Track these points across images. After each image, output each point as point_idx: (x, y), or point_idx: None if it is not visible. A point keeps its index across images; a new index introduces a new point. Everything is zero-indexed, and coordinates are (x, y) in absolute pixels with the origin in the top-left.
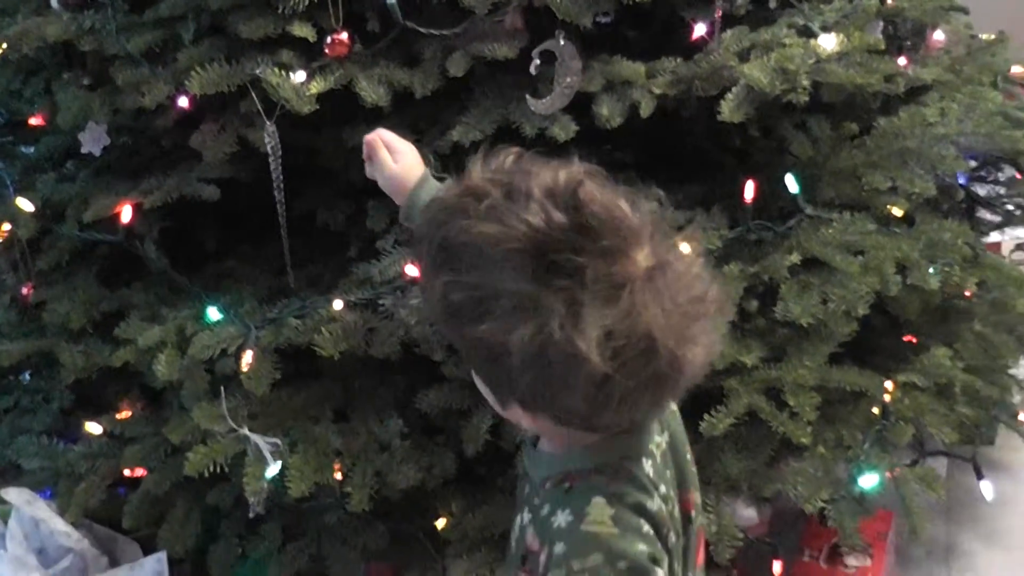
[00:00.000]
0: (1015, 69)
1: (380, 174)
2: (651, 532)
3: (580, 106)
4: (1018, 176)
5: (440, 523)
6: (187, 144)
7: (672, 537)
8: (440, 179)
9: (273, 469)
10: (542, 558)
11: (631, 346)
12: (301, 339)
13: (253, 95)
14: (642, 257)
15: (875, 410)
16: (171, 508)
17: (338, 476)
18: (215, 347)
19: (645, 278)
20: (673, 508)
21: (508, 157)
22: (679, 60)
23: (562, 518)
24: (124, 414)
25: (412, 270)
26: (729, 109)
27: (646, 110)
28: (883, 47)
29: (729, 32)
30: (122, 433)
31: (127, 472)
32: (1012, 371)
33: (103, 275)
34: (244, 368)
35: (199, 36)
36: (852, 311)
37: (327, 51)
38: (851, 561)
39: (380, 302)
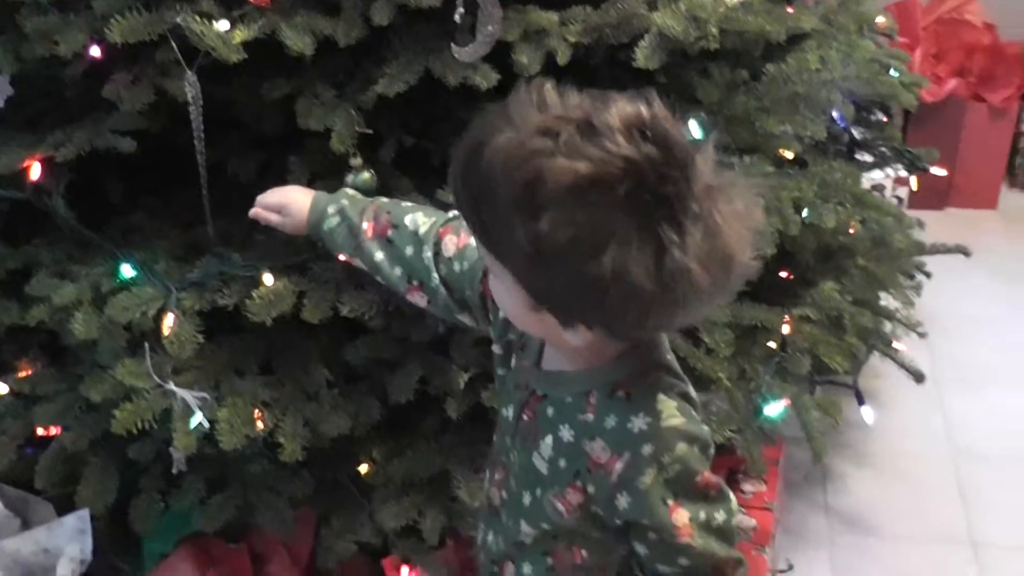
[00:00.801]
0: (879, 19)
1: (282, 230)
2: (697, 415)
3: (497, 55)
4: (885, 119)
5: (363, 469)
6: (88, 95)
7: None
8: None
9: (203, 423)
10: (617, 466)
11: (717, 261)
12: (227, 302)
13: (173, 44)
14: (706, 177)
15: (773, 344)
16: (86, 466)
17: (260, 426)
18: (134, 309)
19: (714, 197)
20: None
21: (550, 93)
22: (588, 9)
23: (640, 422)
24: (25, 372)
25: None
26: (644, 56)
27: (563, 58)
28: None
29: None
30: (32, 391)
31: (40, 431)
32: (883, 302)
33: (2, 232)
34: (166, 332)
35: None
36: (759, 250)
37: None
38: (747, 487)
39: (309, 266)
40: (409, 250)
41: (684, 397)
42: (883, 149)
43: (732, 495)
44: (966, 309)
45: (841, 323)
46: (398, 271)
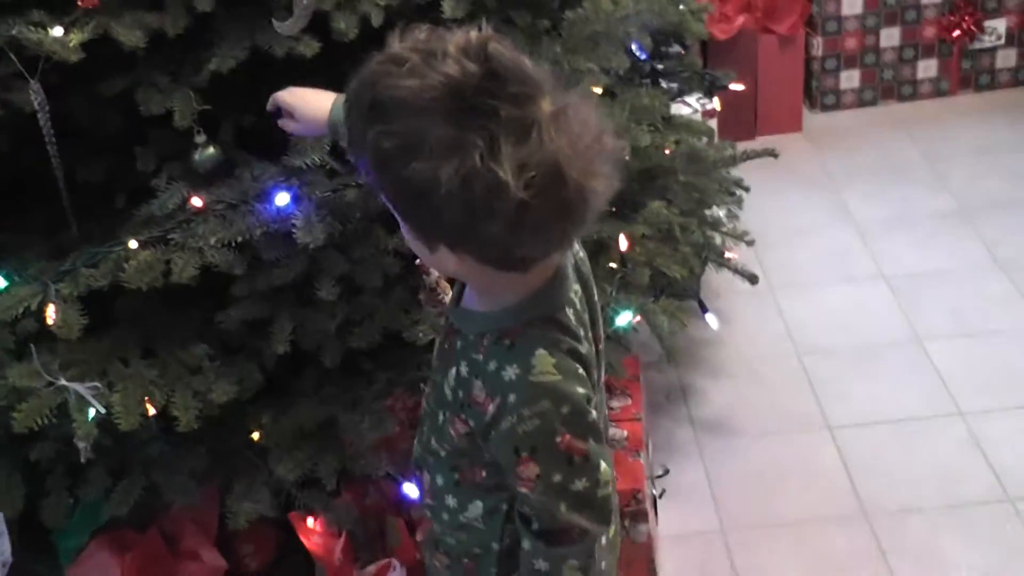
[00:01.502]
0: None
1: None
2: (583, 374)
3: (318, 25)
4: (683, 52)
5: (255, 436)
6: None
7: (595, 375)
8: None
9: (99, 410)
10: (490, 408)
11: (542, 175)
12: (101, 283)
13: (12, 56)
14: (546, 103)
15: (613, 264)
16: None
17: (152, 405)
18: (16, 307)
19: (551, 119)
20: (591, 348)
21: (422, 31)
22: None
23: (511, 372)
24: None
25: (197, 201)
26: (450, 8)
27: (377, 19)
28: None
29: None
30: None
31: None
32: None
33: None
34: (50, 321)
35: None
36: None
37: (80, 3)
38: (615, 403)
39: (170, 237)
40: None
41: (571, 354)
42: (684, 75)
43: (605, 467)
44: (785, 221)
45: (673, 235)
46: None
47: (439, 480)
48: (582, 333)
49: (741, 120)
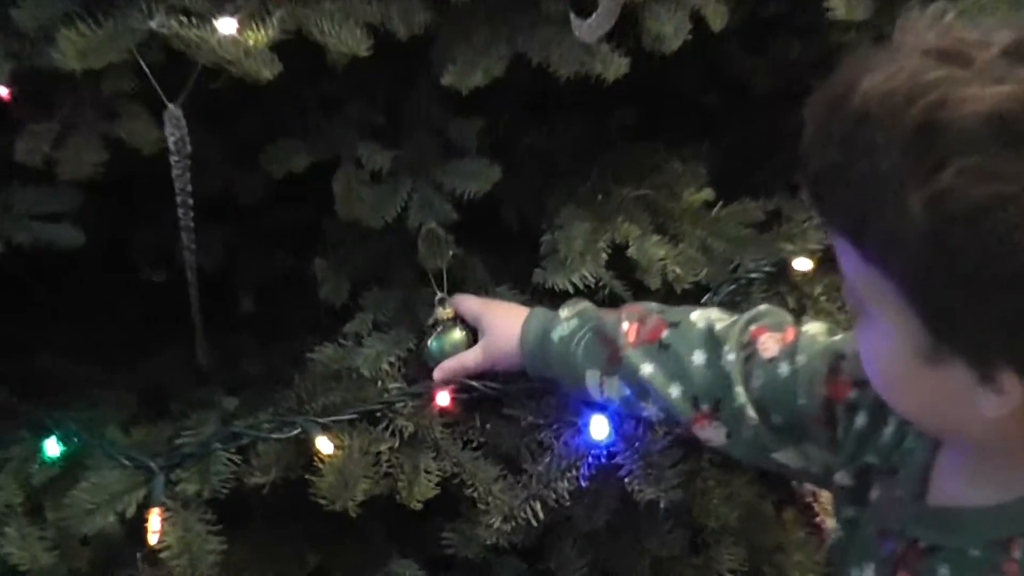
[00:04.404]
0: None
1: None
2: None
3: None
4: None
5: None
6: None
7: None
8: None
9: None
10: None
11: None
12: (259, 479)
13: (144, 66)
14: None
15: None
16: None
17: None
18: (103, 511)
19: None
20: None
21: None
22: None
23: None
24: None
25: (443, 399)
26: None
27: (716, 21)
28: None
29: None
30: None
31: None
32: None
33: None
34: (153, 540)
35: None
36: None
37: None
38: None
39: (379, 414)
40: (698, 357)
41: None
42: None
43: None
44: None
45: None
46: (677, 390)
47: None
48: None
49: None
